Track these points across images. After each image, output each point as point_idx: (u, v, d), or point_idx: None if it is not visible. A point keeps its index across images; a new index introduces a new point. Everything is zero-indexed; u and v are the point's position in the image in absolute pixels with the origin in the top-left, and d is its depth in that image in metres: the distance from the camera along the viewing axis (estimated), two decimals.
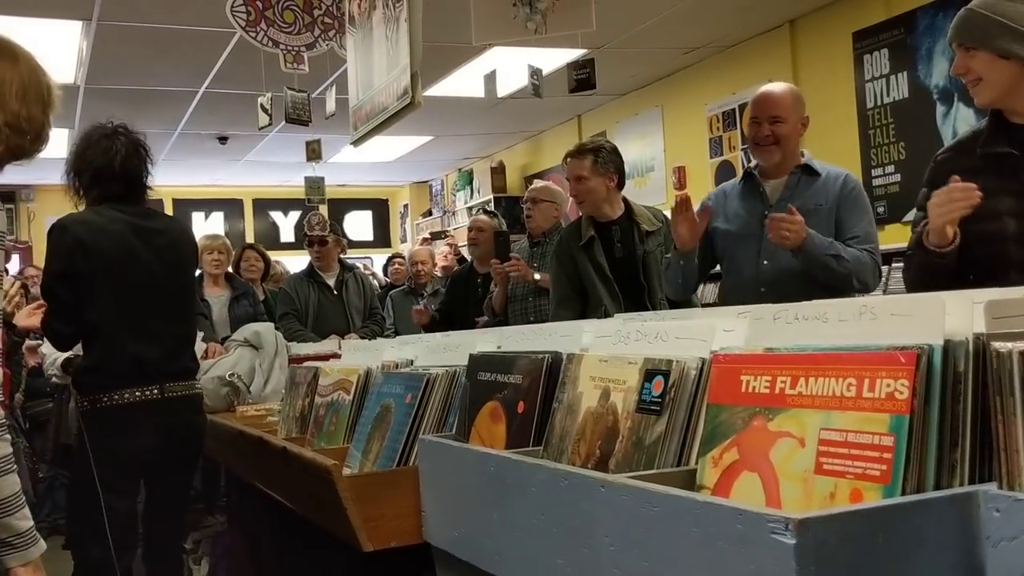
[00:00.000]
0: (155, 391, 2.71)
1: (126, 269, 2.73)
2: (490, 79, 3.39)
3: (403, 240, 11.99)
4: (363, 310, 5.40)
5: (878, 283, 2.93)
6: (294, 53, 3.66)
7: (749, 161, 3.07)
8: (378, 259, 11.66)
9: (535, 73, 3.25)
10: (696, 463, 1.16)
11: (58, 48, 5.57)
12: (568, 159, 3.49)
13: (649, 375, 1.24)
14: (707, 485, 1.12)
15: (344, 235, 7.95)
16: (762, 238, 2.83)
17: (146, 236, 2.80)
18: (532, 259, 4.26)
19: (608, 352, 1.37)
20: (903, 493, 0.92)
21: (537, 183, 4.54)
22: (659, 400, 1.21)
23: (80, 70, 6.01)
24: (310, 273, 5.37)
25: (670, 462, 1.19)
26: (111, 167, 2.76)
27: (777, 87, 2.98)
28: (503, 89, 5.27)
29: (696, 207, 2.93)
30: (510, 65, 5.15)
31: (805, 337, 1.11)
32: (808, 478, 1.01)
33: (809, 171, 2.91)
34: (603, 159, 3.44)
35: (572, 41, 3.89)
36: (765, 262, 2.84)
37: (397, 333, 5.56)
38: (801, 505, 1.00)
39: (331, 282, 5.32)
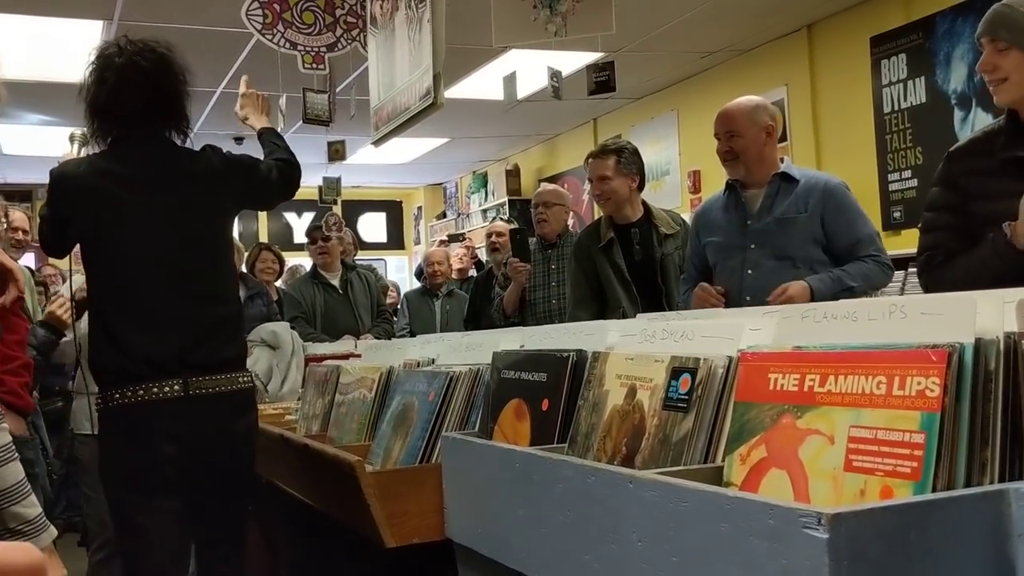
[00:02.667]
0: (176, 387, 2.10)
1: (120, 233, 2.16)
2: (509, 81, 3.39)
3: (417, 242, 12.02)
4: (371, 309, 5.39)
5: (889, 279, 2.97)
6: (313, 54, 3.68)
7: None
8: (392, 261, 11.72)
9: (555, 75, 3.26)
10: (723, 460, 1.17)
11: (78, 47, 5.61)
12: (591, 159, 3.51)
13: (676, 373, 1.25)
14: (734, 482, 1.13)
15: (357, 236, 7.97)
16: (746, 248, 2.88)
17: (152, 187, 2.19)
18: (548, 262, 4.27)
19: (634, 350, 1.38)
20: (934, 490, 0.93)
21: (544, 186, 4.54)
22: (686, 398, 1.22)
23: None
24: (314, 274, 5.34)
25: (697, 459, 1.20)
26: (98, 100, 2.20)
27: (735, 102, 3.05)
28: (520, 92, 5.28)
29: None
30: (527, 68, 5.17)
31: (834, 336, 1.12)
32: (838, 475, 1.01)
33: (787, 178, 2.94)
34: (626, 160, 3.47)
35: (590, 44, 3.90)
36: (750, 271, 2.88)
37: (412, 333, 5.57)
38: (831, 502, 1.00)
39: (335, 282, 5.29)
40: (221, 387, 2.17)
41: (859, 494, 0.99)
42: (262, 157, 2.51)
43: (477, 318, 4.92)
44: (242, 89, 2.74)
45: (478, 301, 5.04)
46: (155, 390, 2.10)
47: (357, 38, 3.46)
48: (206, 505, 2.22)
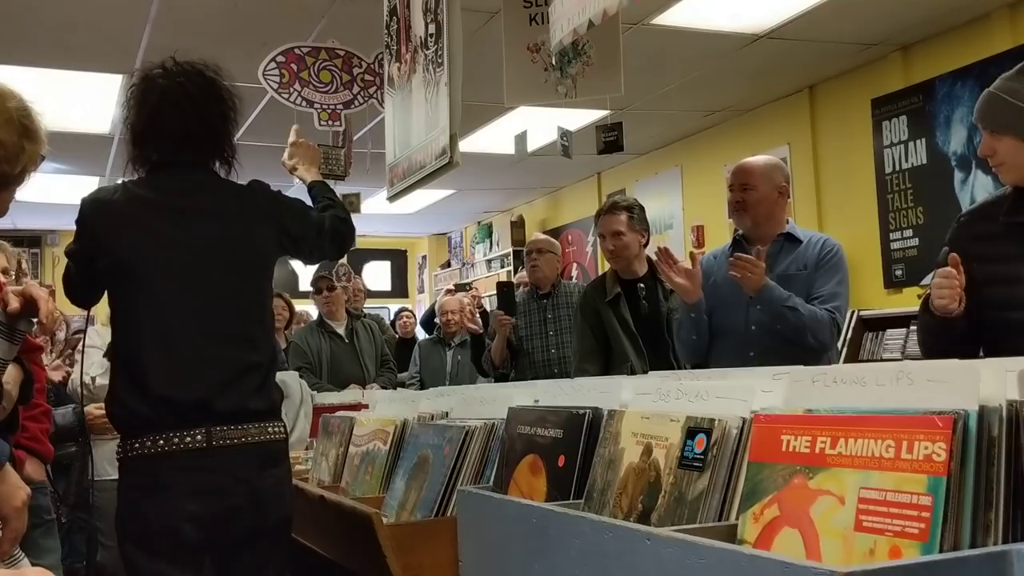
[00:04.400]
0: (199, 438, 1.95)
1: (148, 265, 2.02)
2: (520, 140, 3.48)
3: (420, 291, 12.10)
4: (376, 358, 5.40)
5: (835, 342, 3.03)
6: (329, 111, 3.76)
7: None
8: (395, 309, 11.79)
9: (565, 135, 3.34)
10: (737, 519, 1.21)
11: (96, 99, 5.74)
12: (603, 215, 3.58)
13: (692, 432, 1.29)
14: (748, 540, 1.17)
15: (364, 286, 8.04)
16: (751, 305, 2.93)
17: (188, 218, 2.06)
18: (544, 311, 4.33)
19: (649, 409, 1.43)
20: (941, 551, 0.97)
21: (536, 235, 4.63)
22: (702, 457, 1.26)
23: (116, 121, 6.16)
24: (320, 323, 5.37)
25: (711, 518, 1.24)
26: (138, 123, 2.09)
27: (753, 158, 3.16)
28: (528, 146, 5.39)
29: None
30: (535, 123, 5.28)
31: (843, 399, 1.17)
32: (848, 535, 1.06)
33: (791, 238, 3.02)
34: (637, 216, 3.57)
35: (598, 102, 4.00)
36: (753, 327, 2.92)
37: (423, 383, 5.59)
38: (841, 560, 1.04)
39: (341, 331, 5.31)
40: (248, 437, 2.02)
41: (869, 553, 1.03)
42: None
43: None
44: (292, 138, 2.66)
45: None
46: (175, 440, 1.95)
47: (374, 95, 3.54)
48: (232, 570, 2.06)
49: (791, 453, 1.16)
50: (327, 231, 2.28)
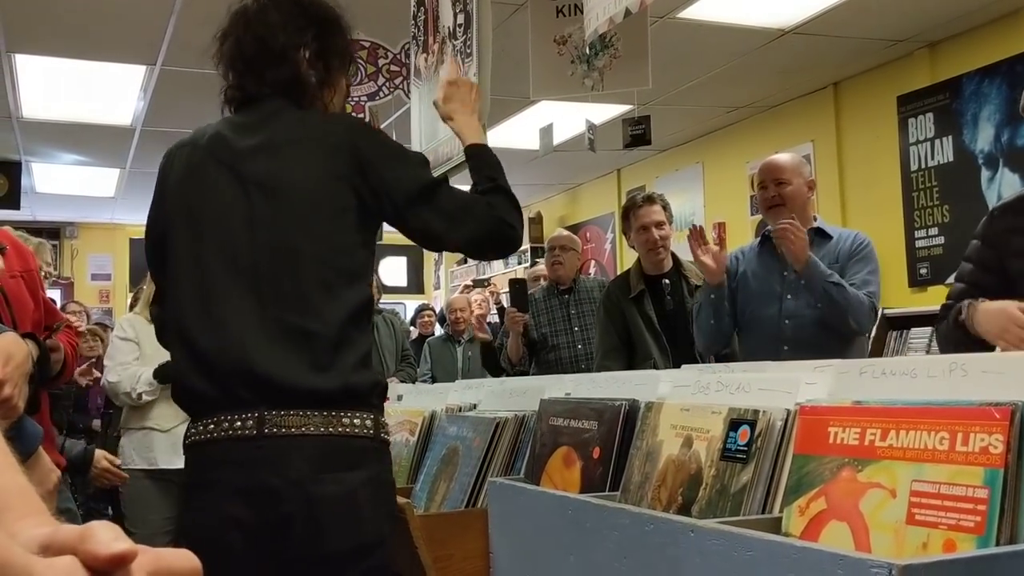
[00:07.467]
0: (249, 423, 1.54)
1: (189, 210, 1.68)
2: (546, 133, 3.45)
3: (436, 287, 12.09)
4: (396, 353, 5.42)
5: (872, 327, 3.03)
6: (353, 103, 3.75)
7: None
8: (411, 305, 11.80)
9: (591, 128, 3.32)
10: (781, 511, 1.19)
11: (118, 91, 5.75)
12: (641, 207, 3.56)
13: (734, 424, 1.28)
14: (793, 533, 1.15)
15: (380, 281, 8.05)
16: (783, 298, 2.93)
17: (241, 155, 1.67)
18: (567, 307, 4.32)
19: (689, 401, 1.41)
20: (997, 544, 0.95)
21: (560, 231, 4.63)
22: (745, 449, 1.24)
23: (137, 113, 6.18)
24: None
25: (755, 510, 1.22)
26: (227, 54, 1.77)
27: (779, 154, 3.17)
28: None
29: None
30: (555, 117, 5.25)
31: (892, 392, 1.15)
32: (900, 528, 1.04)
33: (821, 234, 3.01)
34: (669, 209, 3.57)
35: (620, 97, 3.97)
36: (787, 321, 2.91)
37: (434, 379, 5.60)
38: (893, 554, 1.02)
39: None
40: (309, 427, 1.55)
41: (921, 547, 1.01)
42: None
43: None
44: (450, 74, 2.11)
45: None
46: (225, 424, 1.55)
47: (400, 86, 3.52)
48: None
49: (839, 445, 1.14)
50: (470, 212, 1.72)
